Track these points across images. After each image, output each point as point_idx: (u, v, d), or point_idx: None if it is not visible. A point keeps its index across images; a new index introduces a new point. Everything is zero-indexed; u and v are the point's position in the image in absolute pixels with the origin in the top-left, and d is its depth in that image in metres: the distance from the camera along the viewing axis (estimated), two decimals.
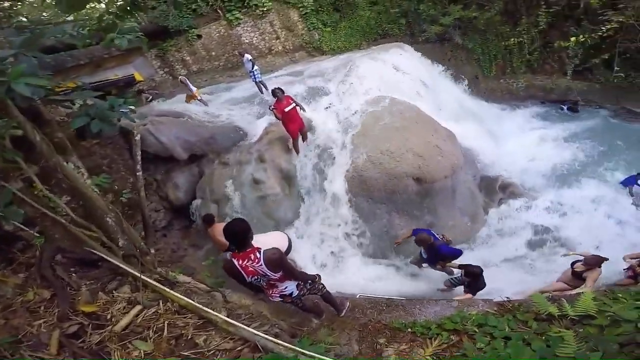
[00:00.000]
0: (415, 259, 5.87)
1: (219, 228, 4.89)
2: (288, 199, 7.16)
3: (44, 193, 3.73)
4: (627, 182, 7.56)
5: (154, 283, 3.07)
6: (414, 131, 7.34)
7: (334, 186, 7.05)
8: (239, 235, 2.82)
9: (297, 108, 7.12)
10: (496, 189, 7.90)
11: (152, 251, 4.42)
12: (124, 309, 2.78)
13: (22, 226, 3.38)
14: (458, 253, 5.12)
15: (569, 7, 11.78)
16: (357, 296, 4.52)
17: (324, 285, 3.96)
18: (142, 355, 2.42)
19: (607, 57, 10.98)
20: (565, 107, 11.82)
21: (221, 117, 8.51)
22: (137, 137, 4.77)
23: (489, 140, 9.69)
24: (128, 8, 4.14)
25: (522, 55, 12.94)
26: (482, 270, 4.80)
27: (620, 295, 2.82)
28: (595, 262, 4.64)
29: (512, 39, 12.69)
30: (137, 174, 4.59)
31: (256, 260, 2.88)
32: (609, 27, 10.12)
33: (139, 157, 4.59)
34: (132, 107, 4.11)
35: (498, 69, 13.39)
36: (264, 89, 9.83)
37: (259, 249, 2.97)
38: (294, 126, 7.08)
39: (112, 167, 6.59)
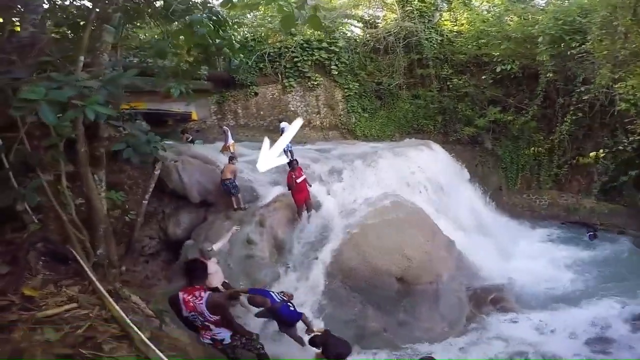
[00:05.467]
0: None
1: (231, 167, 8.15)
2: (272, 266, 7.43)
3: (64, 190, 4.49)
4: None
5: (100, 288, 3.48)
6: (410, 233, 7.65)
7: (317, 266, 7.32)
8: (194, 272, 3.44)
9: (306, 180, 7.97)
10: (487, 301, 7.62)
11: (123, 269, 4.87)
12: (60, 302, 3.16)
13: (29, 209, 4.00)
14: (296, 317, 4.78)
15: (601, 114, 10.71)
16: None
17: (262, 346, 4.11)
18: (45, 341, 2.65)
19: (635, 175, 9.85)
20: (587, 236, 10.93)
21: (243, 175, 9.23)
22: (157, 172, 5.65)
23: (496, 256, 9.47)
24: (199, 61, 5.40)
25: (551, 169, 12.42)
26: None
27: None
28: None
29: (544, 146, 12.09)
30: (143, 202, 5.36)
31: (199, 298, 3.30)
32: (637, 137, 9.14)
33: (150, 188, 5.42)
34: (169, 143, 4.92)
35: (524, 181, 13.04)
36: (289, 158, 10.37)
37: (205, 289, 3.43)
38: (300, 196, 7.88)
39: (132, 189, 7.53)
